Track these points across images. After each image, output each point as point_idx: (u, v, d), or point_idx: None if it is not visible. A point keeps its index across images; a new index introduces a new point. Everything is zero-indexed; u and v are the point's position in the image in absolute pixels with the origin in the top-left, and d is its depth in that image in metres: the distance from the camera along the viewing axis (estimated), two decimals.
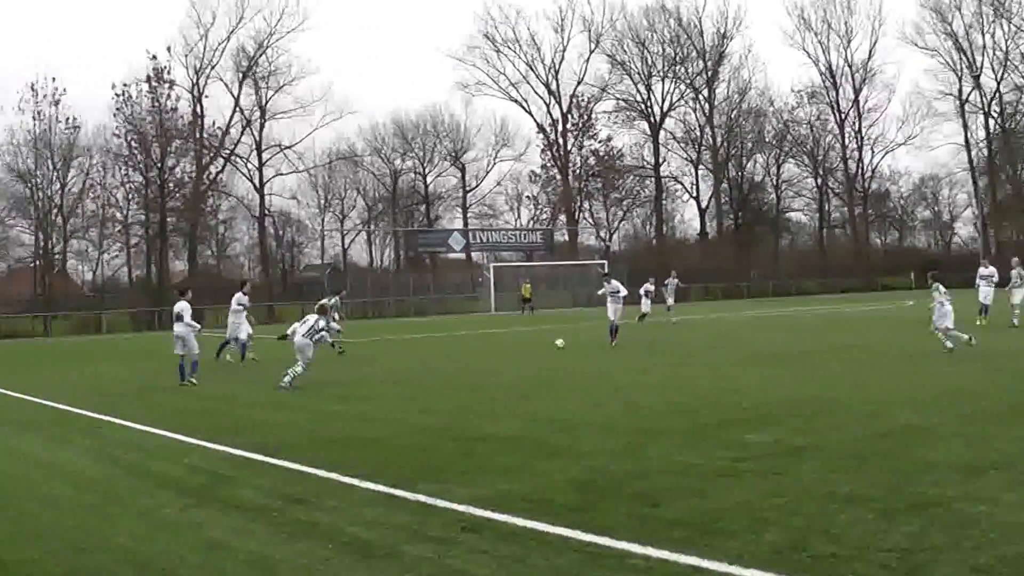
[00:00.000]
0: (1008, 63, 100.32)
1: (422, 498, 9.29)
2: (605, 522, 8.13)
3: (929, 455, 10.53)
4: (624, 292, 30.45)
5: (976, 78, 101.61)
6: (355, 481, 10.20)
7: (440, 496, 9.29)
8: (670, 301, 43.96)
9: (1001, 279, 32.85)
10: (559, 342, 26.97)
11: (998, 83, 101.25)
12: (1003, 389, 15.96)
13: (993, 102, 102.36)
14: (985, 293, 32.55)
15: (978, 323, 31.08)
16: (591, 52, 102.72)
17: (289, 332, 20.40)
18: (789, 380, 18.72)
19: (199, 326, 22.40)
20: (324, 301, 22.35)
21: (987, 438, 11.45)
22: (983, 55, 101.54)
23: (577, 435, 12.87)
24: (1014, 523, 7.66)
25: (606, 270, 33.24)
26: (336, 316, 28.70)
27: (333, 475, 10.57)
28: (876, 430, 12.35)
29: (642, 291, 41.46)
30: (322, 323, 20.56)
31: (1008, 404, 14.32)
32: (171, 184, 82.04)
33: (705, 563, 6.88)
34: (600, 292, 32.16)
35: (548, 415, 14.93)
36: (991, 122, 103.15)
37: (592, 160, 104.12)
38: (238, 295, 27.67)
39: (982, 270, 33.44)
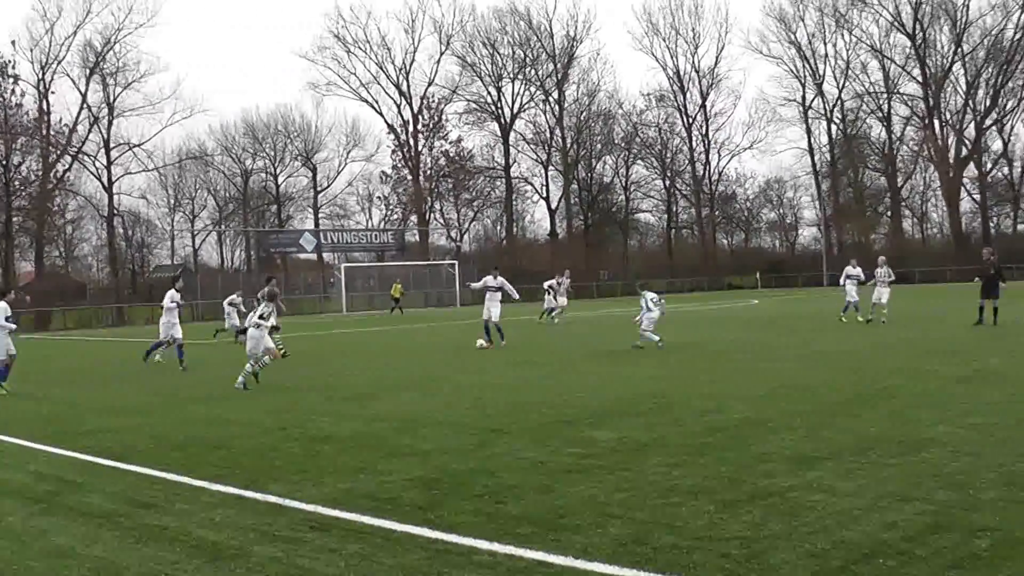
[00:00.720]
0: (849, 72, 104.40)
1: (271, 499, 9.24)
2: (451, 519, 8.21)
3: (766, 447, 10.86)
4: (512, 292, 29.66)
5: (819, 85, 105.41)
6: (204, 484, 10.06)
7: (289, 496, 9.26)
8: (563, 301, 43.54)
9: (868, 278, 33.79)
10: (480, 342, 25.81)
11: (840, 91, 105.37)
12: (837, 384, 16.55)
13: (835, 109, 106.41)
14: (851, 291, 33.84)
15: (842, 319, 32.82)
16: (441, 54, 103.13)
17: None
18: (635, 378, 19.02)
19: (14, 326, 21.51)
20: (265, 290, 21.29)
21: (820, 430, 11.89)
22: (825, 64, 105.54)
23: (424, 434, 12.91)
24: (847, 510, 7.98)
25: (496, 266, 31.83)
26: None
27: (183, 478, 10.40)
28: (716, 425, 12.67)
29: (546, 286, 41.85)
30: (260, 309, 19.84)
31: (841, 398, 14.85)
32: (16, 183, 79.73)
33: (551, 557, 6.99)
34: (475, 286, 30.30)
35: (395, 415, 14.93)
36: (833, 128, 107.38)
37: (443, 161, 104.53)
38: (171, 292, 26.46)
39: (849, 269, 34.88)
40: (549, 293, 41.67)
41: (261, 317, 19.72)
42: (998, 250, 34.14)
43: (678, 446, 11.20)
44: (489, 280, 29.10)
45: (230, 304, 35.87)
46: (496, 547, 7.32)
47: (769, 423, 12.65)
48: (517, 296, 30.11)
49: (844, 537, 7.22)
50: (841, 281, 34.40)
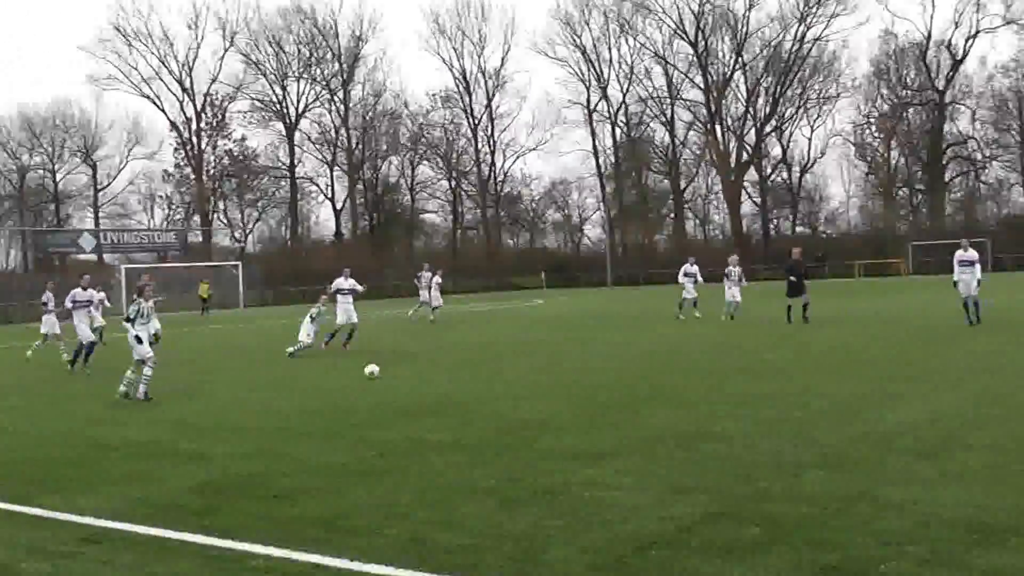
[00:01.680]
0: (633, 76, 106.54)
1: (42, 512, 8.84)
2: (229, 524, 8.04)
3: (550, 445, 11.02)
4: (360, 289, 28.86)
5: (603, 89, 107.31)
6: None
7: (61, 509, 8.87)
8: (435, 295, 42.08)
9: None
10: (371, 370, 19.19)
11: (624, 95, 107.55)
12: (621, 381, 17.02)
13: (619, 112, 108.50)
14: (689, 288, 34.60)
15: (679, 317, 33.69)
16: (225, 50, 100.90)
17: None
18: (424, 379, 19.08)
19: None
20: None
21: (603, 427, 12.14)
22: (610, 68, 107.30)
23: (207, 439, 12.62)
24: (625, 504, 8.15)
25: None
26: None
27: None
28: (502, 424, 12.77)
29: (421, 282, 41.19)
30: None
31: (624, 395, 15.24)
32: None
33: (327, 560, 6.92)
34: (331, 288, 28.51)
35: (177, 420, 14.56)
36: (618, 131, 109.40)
37: (227, 160, 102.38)
38: (81, 291, 24.71)
39: (687, 267, 35.57)
40: (424, 286, 41.21)
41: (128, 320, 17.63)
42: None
43: (465, 446, 11.26)
44: (340, 282, 28.39)
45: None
46: (272, 551, 7.21)
47: (553, 421, 12.80)
48: (361, 288, 29.31)
49: (621, 531, 7.36)
50: (680, 279, 34.80)
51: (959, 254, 26.02)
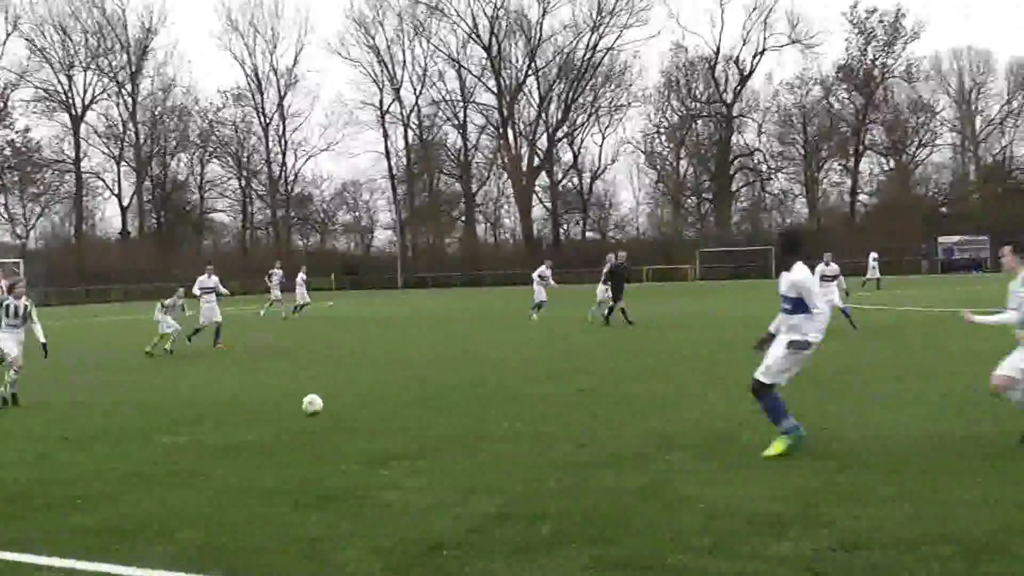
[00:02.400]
0: (427, 79, 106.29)
1: None
2: (9, 536, 7.61)
3: (342, 448, 10.89)
4: (224, 291, 27.89)
5: (397, 91, 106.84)
6: None
7: None
8: (276, 294, 42.55)
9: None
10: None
11: (417, 97, 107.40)
12: (412, 385, 16.97)
13: (412, 114, 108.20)
14: (539, 292, 33.89)
15: (532, 318, 33.15)
16: (8, 34, 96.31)
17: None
18: (213, 382, 18.74)
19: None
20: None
21: (395, 430, 12.08)
22: (403, 70, 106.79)
23: None
24: (417, 505, 8.14)
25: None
26: None
27: None
28: (293, 426, 12.55)
29: (272, 280, 41.54)
30: None
31: (415, 398, 15.23)
32: None
33: (115, 568, 6.66)
34: (195, 290, 27.30)
35: None
36: (410, 133, 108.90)
37: (8, 151, 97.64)
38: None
39: (543, 270, 34.93)
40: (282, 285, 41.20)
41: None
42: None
43: (255, 449, 11.05)
44: (204, 280, 27.23)
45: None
46: (55, 561, 6.89)
47: (347, 423, 12.74)
48: (225, 291, 27.87)
49: (414, 532, 7.37)
50: (534, 283, 34.26)
51: (821, 268, 26.08)
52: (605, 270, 30.65)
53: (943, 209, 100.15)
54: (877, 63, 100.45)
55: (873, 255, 56.15)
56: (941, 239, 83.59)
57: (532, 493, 8.47)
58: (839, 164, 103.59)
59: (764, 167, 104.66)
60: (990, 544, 6.70)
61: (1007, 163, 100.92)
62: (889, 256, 73.41)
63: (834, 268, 26.21)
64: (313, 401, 13.25)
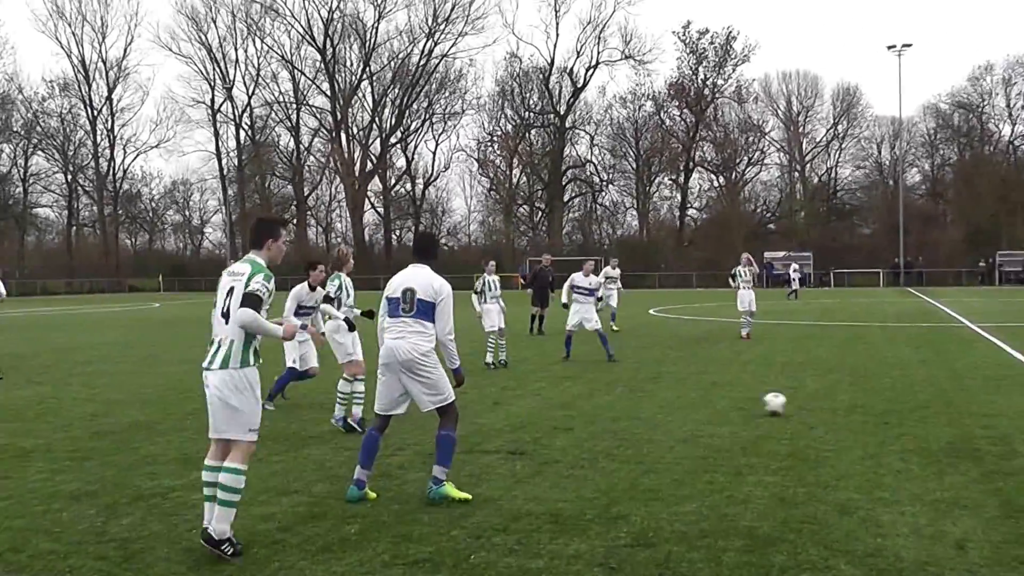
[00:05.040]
0: (260, 79, 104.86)
1: None
2: None
3: (153, 450, 10.93)
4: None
5: (228, 90, 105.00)
6: None
7: None
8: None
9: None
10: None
11: (250, 97, 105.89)
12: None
13: (244, 114, 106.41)
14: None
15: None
16: None
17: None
18: (14, 383, 18.35)
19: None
20: None
21: (203, 431, 11.90)
22: (236, 68, 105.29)
23: None
24: None
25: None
26: None
27: None
28: (103, 429, 12.52)
29: None
30: None
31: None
32: None
33: None
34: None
35: None
36: (242, 133, 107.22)
37: None
38: None
39: (608, 270, 33.49)
40: None
41: None
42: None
43: (63, 452, 10.97)
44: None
45: None
46: None
47: (158, 426, 12.73)
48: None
49: None
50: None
51: (607, 271, 27.44)
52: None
53: (770, 226, 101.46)
54: (708, 83, 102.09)
55: (794, 266, 56.83)
56: (767, 254, 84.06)
57: (341, 493, 8.59)
58: (670, 179, 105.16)
59: (596, 179, 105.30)
60: (776, 536, 7.22)
61: (832, 184, 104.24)
62: (716, 270, 74.14)
63: (617, 272, 28.12)
64: (770, 402, 12.96)
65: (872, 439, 11.12)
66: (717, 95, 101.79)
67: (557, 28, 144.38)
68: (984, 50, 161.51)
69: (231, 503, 6.85)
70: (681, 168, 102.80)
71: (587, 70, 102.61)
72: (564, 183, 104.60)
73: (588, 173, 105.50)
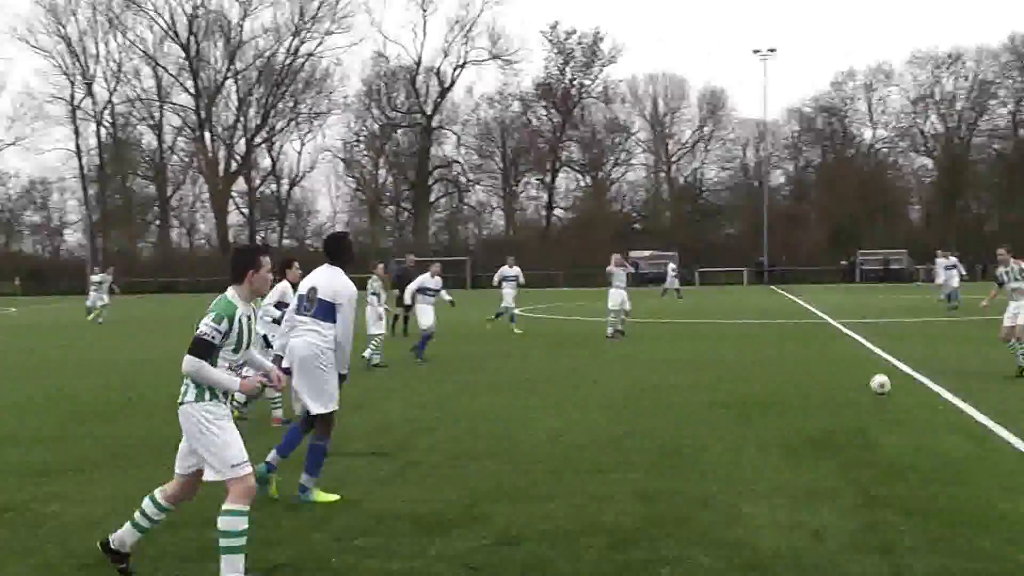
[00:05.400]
0: (121, 75, 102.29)
1: None
2: None
3: (12, 460, 10.52)
4: None
5: (89, 86, 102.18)
6: None
7: None
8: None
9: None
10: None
11: (111, 93, 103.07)
12: (97, 393, 16.44)
13: (106, 111, 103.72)
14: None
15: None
16: None
17: None
18: None
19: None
20: None
21: (70, 441, 11.71)
22: (97, 64, 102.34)
23: None
24: (82, 520, 7.92)
25: None
26: None
27: None
28: None
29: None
30: None
31: (98, 407, 14.67)
32: None
33: None
34: None
35: None
36: (103, 131, 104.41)
37: None
38: None
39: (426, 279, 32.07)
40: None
41: None
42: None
43: None
44: None
45: None
46: None
47: (20, 435, 12.27)
48: None
49: (78, 546, 7.19)
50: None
51: (504, 270, 27.95)
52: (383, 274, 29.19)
53: (636, 225, 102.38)
54: (575, 83, 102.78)
55: (672, 265, 56.97)
56: (632, 253, 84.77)
57: (202, 502, 7.92)
58: (536, 178, 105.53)
59: (463, 179, 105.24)
60: (638, 533, 7.27)
61: (697, 184, 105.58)
62: (582, 269, 74.15)
63: (515, 271, 28.12)
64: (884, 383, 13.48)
65: (733, 433, 11.29)
66: (584, 95, 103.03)
67: (425, 27, 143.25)
68: (846, 57, 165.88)
69: (234, 548, 6.11)
70: (548, 168, 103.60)
71: (454, 70, 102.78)
72: (430, 183, 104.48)
73: (454, 173, 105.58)
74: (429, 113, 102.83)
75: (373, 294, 19.98)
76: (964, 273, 37.02)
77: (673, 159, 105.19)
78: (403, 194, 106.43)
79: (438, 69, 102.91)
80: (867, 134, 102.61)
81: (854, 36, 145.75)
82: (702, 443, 10.69)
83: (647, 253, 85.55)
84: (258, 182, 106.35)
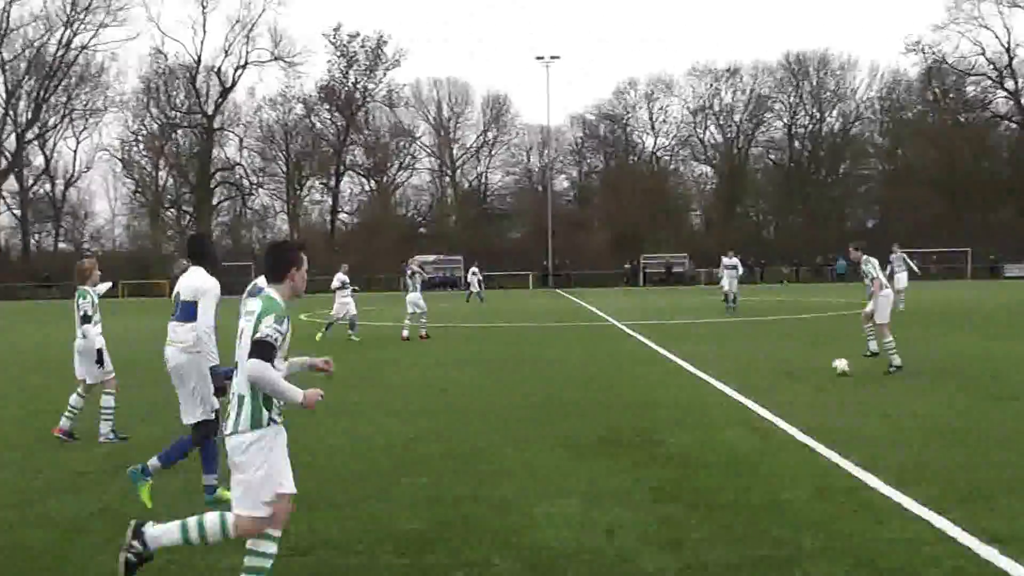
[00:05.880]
0: None
1: None
2: None
3: None
4: None
5: None
6: None
7: None
8: None
9: None
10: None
11: None
12: None
13: None
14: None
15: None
16: None
17: None
18: None
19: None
20: None
21: None
22: None
23: None
24: None
25: None
26: None
27: None
28: None
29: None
30: None
31: None
32: None
33: None
34: None
35: None
36: None
37: None
38: None
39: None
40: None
41: None
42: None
43: None
44: None
45: None
46: None
47: None
48: None
49: None
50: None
51: (341, 277, 27.33)
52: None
53: (422, 230, 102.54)
54: (359, 86, 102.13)
55: (473, 269, 56.17)
56: (418, 258, 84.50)
57: None
58: (320, 182, 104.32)
59: (246, 182, 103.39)
60: (432, 537, 7.25)
61: (482, 189, 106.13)
62: (368, 273, 73.81)
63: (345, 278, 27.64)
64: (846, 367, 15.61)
65: (526, 434, 11.33)
66: (368, 99, 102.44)
67: (205, 25, 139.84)
68: (629, 66, 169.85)
69: (260, 569, 5.85)
70: (332, 172, 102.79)
71: (236, 70, 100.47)
72: (213, 186, 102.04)
73: (237, 176, 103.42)
74: (210, 114, 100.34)
75: None
76: (740, 273, 37.83)
77: (458, 164, 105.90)
78: (184, 197, 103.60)
79: (219, 69, 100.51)
80: (649, 142, 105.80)
81: (636, 46, 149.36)
82: (494, 445, 10.72)
83: (432, 258, 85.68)
84: (31, 182, 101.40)
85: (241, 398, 5.79)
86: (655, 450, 10.24)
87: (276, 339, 5.76)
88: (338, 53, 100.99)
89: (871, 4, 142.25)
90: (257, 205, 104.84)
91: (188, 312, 8.50)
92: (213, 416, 8.54)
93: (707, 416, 12.42)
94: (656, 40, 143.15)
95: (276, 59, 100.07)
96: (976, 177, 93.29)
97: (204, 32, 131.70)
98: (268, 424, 5.77)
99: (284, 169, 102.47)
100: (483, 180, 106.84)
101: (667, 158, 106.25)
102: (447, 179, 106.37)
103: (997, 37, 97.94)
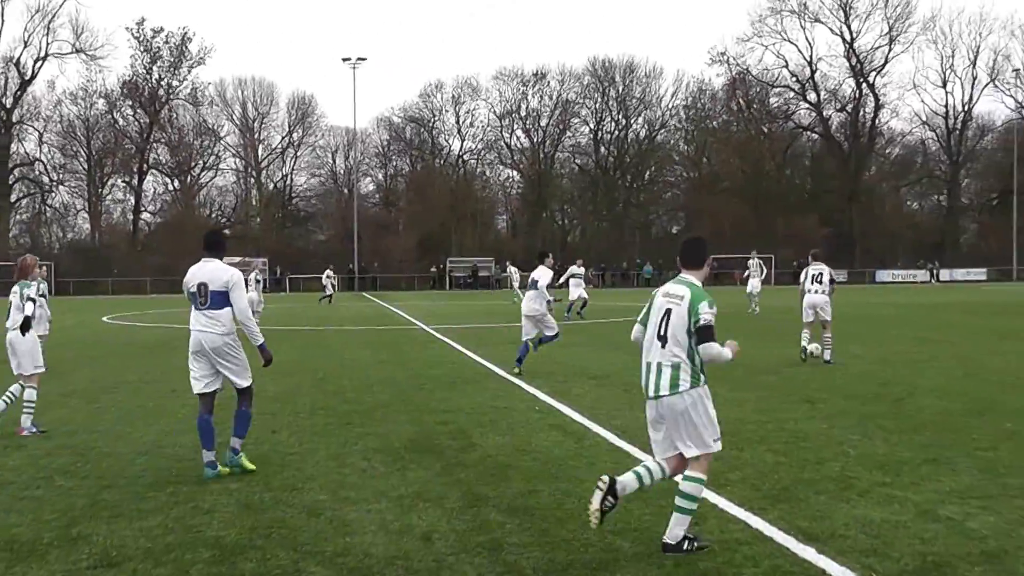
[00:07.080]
0: None
1: None
2: None
3: None
4: None
5: None
6: None
7: None
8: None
9: None
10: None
11: None
12: None
13: None
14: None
15: None
16: None
17: None
18: None
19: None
20: None
21: None
22: None
23: None
24: None
25: None
26: None
27: None
28: None
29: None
30: None
31: None
32: None
33: None
34: None
35: None
36: None
37: None
38: None
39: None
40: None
41: None
42: None
43: None
44: None
45: None
46: None
47: None
48: None
49: None
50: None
51: (255, 275, 27.20)
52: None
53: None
54: (163, 83, 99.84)
55: (328, 272, 54.29)
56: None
57: None
58: (123, 181, 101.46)
59: (45, 179, 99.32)
60: (244, 544, 7.07)
61: (287, 190, 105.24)
62: (171, 275, 72.02)
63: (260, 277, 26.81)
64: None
65: (336, 440, 11.27)
66: (172, 96, 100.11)
67: (3, 13, 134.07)
68: (436, 69, 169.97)
69: (690, 511, 6.85)
70: (135, 170, 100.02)
71: (35, 62, 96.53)
72: (11, 182, 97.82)
73: (37, 172, 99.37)
74: (9, 107, 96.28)
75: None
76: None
77: (263, 165, 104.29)
78: None
79: (17, 60, 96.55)
80: (456, 145, 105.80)
81: (443, 50, 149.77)
82: (304, 450, 10.62)
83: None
84: None
85: (676, 365, 6.92)
86: (469, 454, 10.28)
87: (713, 320, 6.87)
88: (142, 48, 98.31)
89: (678, 15, 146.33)
90: (57, 203, 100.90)
91: (220, 301, 9.40)
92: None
93: (520, 420, 12.52)
94: (463, 43, 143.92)
95: (77, 52, 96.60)
96: (779, 185, 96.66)
97: (2, 20, 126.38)
98: (704, 383, 7.01)
99: (85, 166, 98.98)
100: (288, 182, 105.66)
101: (474, 162, 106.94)
102: (252, 180, 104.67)
103: (800, 51, 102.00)
